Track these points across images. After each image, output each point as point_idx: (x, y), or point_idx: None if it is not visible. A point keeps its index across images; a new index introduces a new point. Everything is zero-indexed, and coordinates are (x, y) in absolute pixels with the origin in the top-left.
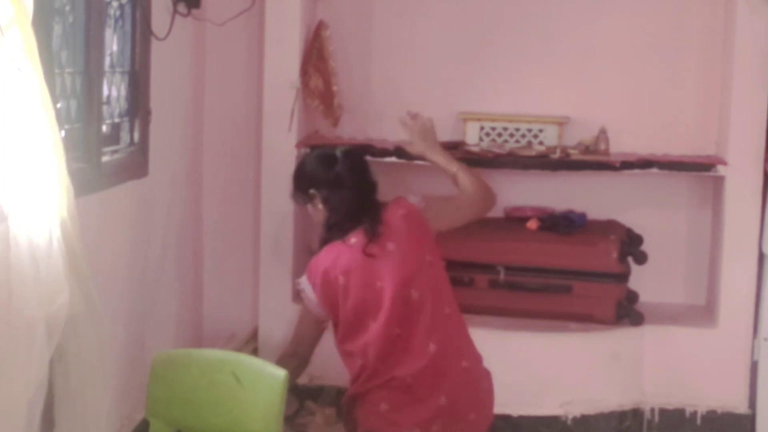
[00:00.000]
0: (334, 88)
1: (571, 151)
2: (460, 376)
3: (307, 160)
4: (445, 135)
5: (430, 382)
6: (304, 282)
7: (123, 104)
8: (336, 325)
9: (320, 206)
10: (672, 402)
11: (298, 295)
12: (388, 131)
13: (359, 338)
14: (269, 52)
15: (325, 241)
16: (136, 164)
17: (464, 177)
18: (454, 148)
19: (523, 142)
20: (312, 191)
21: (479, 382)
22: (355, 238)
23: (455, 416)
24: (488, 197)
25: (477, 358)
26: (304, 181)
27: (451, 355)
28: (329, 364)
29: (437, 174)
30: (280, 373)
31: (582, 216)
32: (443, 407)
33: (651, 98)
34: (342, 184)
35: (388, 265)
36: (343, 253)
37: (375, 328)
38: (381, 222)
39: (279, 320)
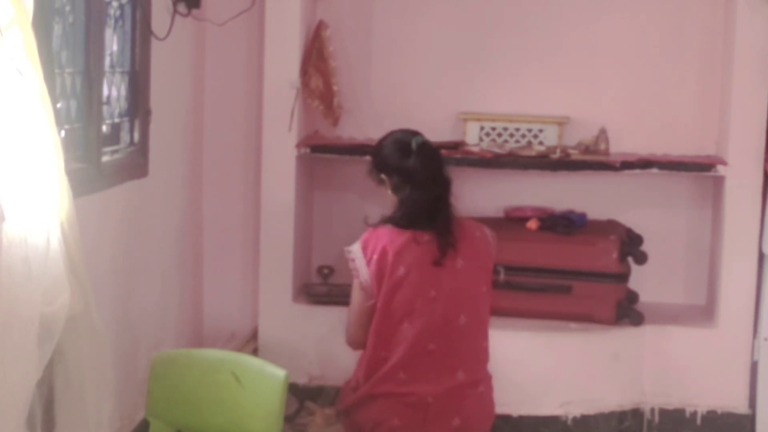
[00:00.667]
0: (334, 88)
1: (571, 151)
2: (476, 401)
3: (386, 142)
4: (445, 135)
5: (450, 406)
6: (357, 251)
7: (123, 104)
8: (377, 311)
9: (389, 192)
10: (672, 402)
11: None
12: (388, 131)
13: (393, 336)
14: (269, 52)
15: (390, 221)
16: (136, 164)
17: None
18: (453, 147)
19: (523, 142)
20: (383, 176)
21: (490, 406)
22: (428, 237)
23: None
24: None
25: (491, 384)
26: (378, 164)
27: (473, 384)
28: (329, 364)
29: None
30: (280, 373)
31: (582, 216)
32: (456, 428)
33: (651, 98)
34: (413, 179)
35: (450, 280)
36: (411, 247)
37: (409, 332)
38: (455, 234)
39: (279, 320)
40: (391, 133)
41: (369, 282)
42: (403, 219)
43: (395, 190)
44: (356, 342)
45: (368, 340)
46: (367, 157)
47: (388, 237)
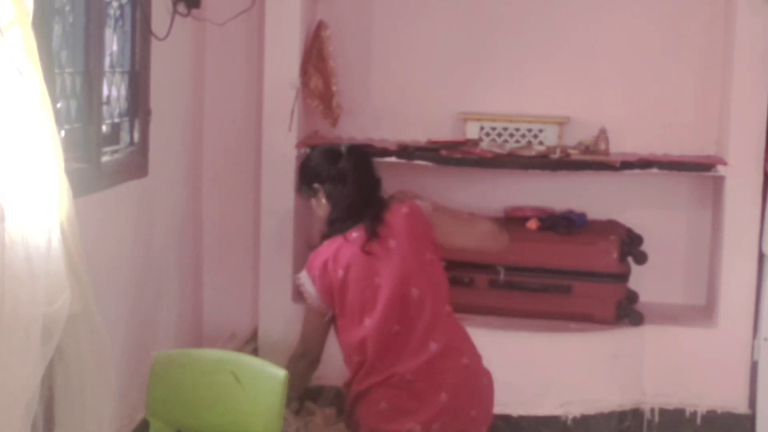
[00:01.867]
0: (334, 88)
1: (571, 151)
2: (460, 373)
3: (312, 155)
4: (445, 135)
5: (431, 379)
6: (303, 276)
7: (123, 104)
8: (334, 319)
9: (323, 201)
10: (672, 402)
11: (298, 291)
12: (388, 131)
13: (356, 333)
14: (269, 52)
15: (325, 236)
16: (136, 164)
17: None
18: (454, 147)
19: (523, 142)
20: (316, 185)
21: (479, 379)
22: (356, 233)
23: (456, 413)
24: (498, 240)
25: (476, 356)
26: (308, 175)
27: (451, 353)
28: (329, 364)
29: (439, 174)
30: (280, 373)
31: (582, 216)
32: (444, 404)
33: (651, 98)
34: (345, 179)
35: (387, 262)
36: (344, 248)
37: (371, 325)
38: (383, 220)
39: (279, 320)
40: (316, 148)
41: (320, 299)
42: (337, 221)
43: (329, 196)
44: (311, 353)
45: (342, 349)
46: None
47: (325, 249)
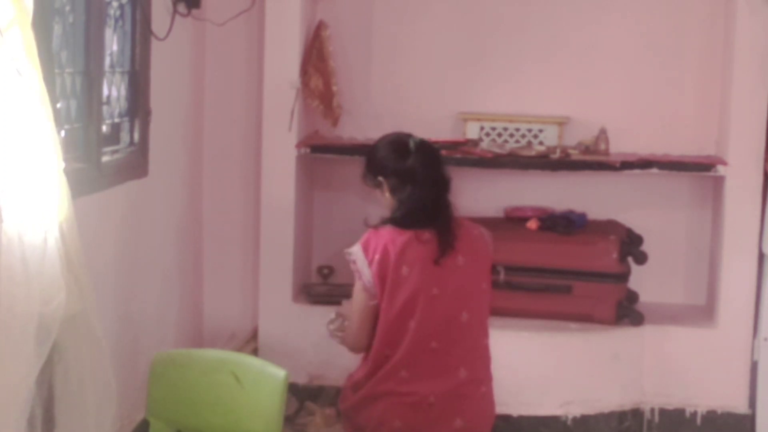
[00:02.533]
0: (334, 88)
1: (571, 151)
2: (479, 401)
3: (379, 145)
4: (445, 135)
5: (452, 406)
6: (358, 252)
7: (123, 104)
8: (381, 311)
9: (387, 195)
10: (672, 402)
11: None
12: (388, 131)
13: (397, 335)
14: (269, 52)
15: (388, 222)
16: (136, 164)
17: None
18: (454, 147)
19: (523, 142)
20: (380, 179)
21: (491, 406)
22: (428, 235)
23: None
24: None
25: (491, 384)
26: (374, 167)
27: (475, 382)
28: (329, 364)
29: None
30: (280, 373)
31: (582, 216)
32: (458, 429)
33: (651, 98)
34: (413, 178)
35: (451, 277)
36: (413, 246)
37: (413, 333)
38: (456, 233)
39: (279, 320)
40: (385, 136)
41: (372, 282)
42: (405, 218)
43: (393, 191)
44: (358, 345)
45: (373, 339)
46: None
47: (390, 236)
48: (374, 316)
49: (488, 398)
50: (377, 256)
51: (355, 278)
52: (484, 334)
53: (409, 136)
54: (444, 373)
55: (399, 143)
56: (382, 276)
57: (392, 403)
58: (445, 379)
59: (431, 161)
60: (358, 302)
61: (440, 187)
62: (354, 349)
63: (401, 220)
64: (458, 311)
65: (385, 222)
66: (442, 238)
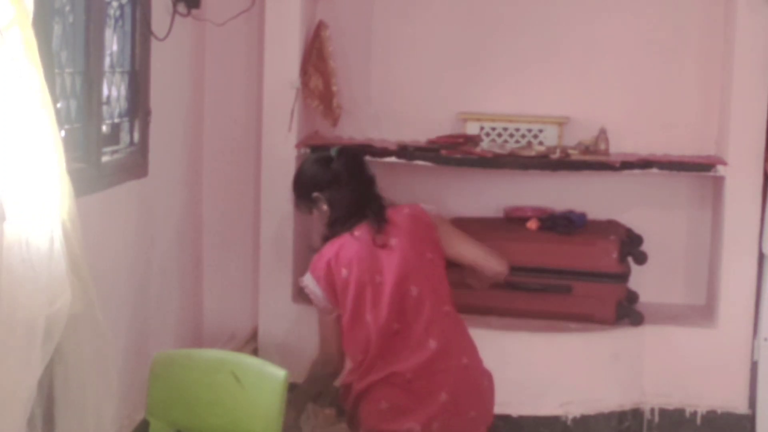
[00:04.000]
0: (334, 88)
1: (571, 151)
2: (460, 372)
3: (304, 166)
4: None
5: (431, 378)
6: (308, 278)
7: (123, 104)
8: (339, 318)
9: (325, 208)
10: (672, 402)
11: (301, 294)
12: (388, 131)
13: (358, 331)
14: (269, 52)
15: (326, 238)
16: (136, 164)
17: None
18: (454, 147)
19: (523, 142)
20: (315, 194)
21: (480, 379)
22: (359, 231)
23: (456, 413)
24: (499, 265)
25: (477, 356)
26: (306, 186)
27: (451, 352)
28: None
29: (439, 174)
30: (280, 373)
31: (582, 216)
32: (444, 404)
33: (651, 98)
34: (341, 181)
35: (388, 260)
36: (346, 246)
37: (372, 323)
38: (385, 217)
39: (279, 320)
40: (306, 159)
41: (325, 298)
42: (337, 222)
43: (330, 202)
44: (332, 360)
45: (346, 349)
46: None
47: (328, 250)
48: (339, 327)
49: (473, 369)
50: (321, 273)
51: (315, 305)
52: (443, 301)
53: (328, 149)
54: (413, 349)
55: (320, 157)
56: (330, 287)
57: (377, 389)
58: (416, 354)
59: (354, 162)
60: (323, 324)
61: (365, 184)
62: (330, 365)
63: (334, 224)
64: (406, 288)
65: (324, 240)
66: (372, 224)
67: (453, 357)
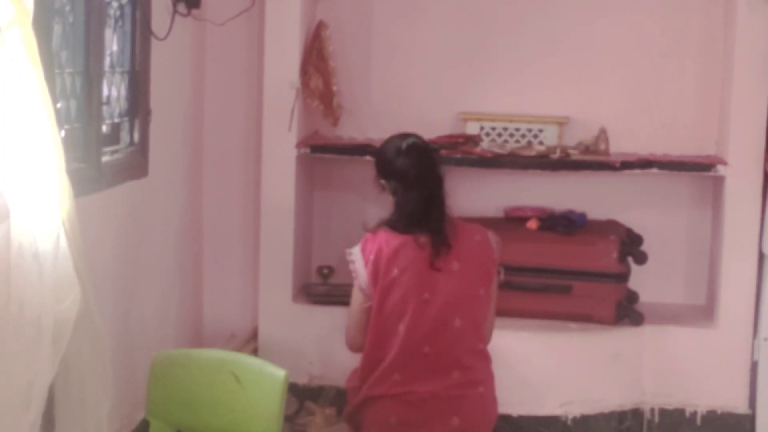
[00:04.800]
0: (334, 88)
1: (571, 151)
2: (476, 401)
3: (384, 146)
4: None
5: (447, 404)
6: (356, 254)
7: (123, 104)
8: (372, 313)
9: (391, 197)
10: (672, 402)
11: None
12: (388, 131)
13: (387, 334)
14: (269, 52)
15: (384, 224)
16: (136, 164)
17: None
18: (454, 147)
19: (523, 142)
20: (383, 181)
21: (492, 407)
22: (424, 239)
23: None
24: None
25: (492, 385)
26: (378, 168)
27: (471, 383)
28: (330, 364)
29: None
30: (280, 373)
31: (582, 216)
32: (454, 428)
33: (651, 98)
34: (406, 179)
35: (445, 283)
36: (407, 247)
37: (404, 336)
38: (453, 238)
39: (279, 320)
40: (391, 137)
41: (367, 283)
42: (399, 222)
43: (394, 193)
44: (355, 344)
45: (365, 341)
46: (367, 157)
47: (385, 239)
48: (369, 316)
49: (487, 397)
50: (372, 257)
51: (353, 279)
52: (479, 340)
53: (407, 136)
54: (437, 376)
55: (395, 145)
56: (374, 277)
57: (388, 402)
58: (438, 381)
59: (421, 161)
60: (355, 303)
61: (431, 187)
62: (351, 347)
63: (396, 223)
64: (451, 317)
65: (381, 224)
66: (436, 242)
67: (471, 387)
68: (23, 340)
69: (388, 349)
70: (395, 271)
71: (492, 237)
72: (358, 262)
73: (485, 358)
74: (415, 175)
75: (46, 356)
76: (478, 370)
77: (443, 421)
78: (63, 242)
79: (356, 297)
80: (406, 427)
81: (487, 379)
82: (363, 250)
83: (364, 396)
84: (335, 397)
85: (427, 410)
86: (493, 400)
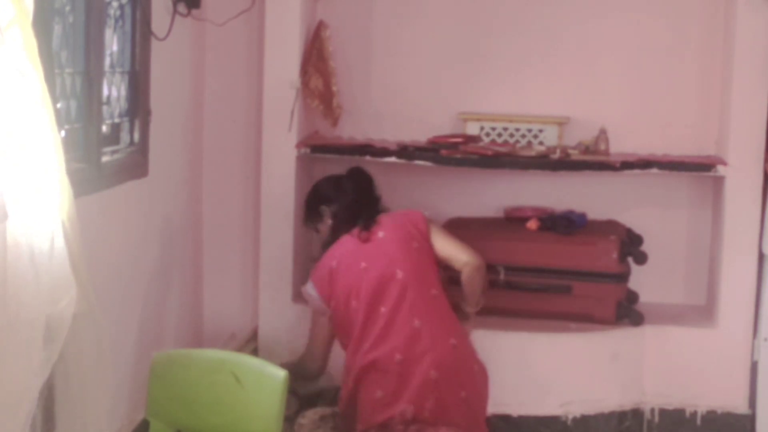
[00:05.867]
0: (334, 88)
1: (571, 151)
2: (448, 352)
3: (317, 185)
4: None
5: (418, 355)
6: (309, 285)
7: (123, 104)
8: (331, 318)
9: (329, 221)
10: (672, 402)
11: (301, 299)
12: (388, 131)
13: (344, 317)
14: (269, 52)
15: (327, 244)
16: (136, 164)
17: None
18: (454, 147)
19: (523, 142)
20: (323, 207)
21: (469, 362)
22: (354, 231)
23: (447, 391)
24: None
25: (466, 341)
26: (315, 201)
27: (438, 332)
28: (329, 364)
29: (439, 174)
30: (280, 373)
31: (582, 216)
32: (433, 380)
33: (651, 98)
34: (347, 194)
35: (375, 250)
36: (338, 244)
37: (356, 306)
38: (375, 219)
39: (279, 320)
40: (319, 180)
41: (319, 299)
42: (338, 230)
43: (334, 215)
44: (316, 359)
45: (338, 338)
46: (367, 157)
47: (327, 255)
48: (332, 330)
49: (461, 352)
50: (319, 273)
51: (311, 311)
52: (430, 285)
53: (332, 176)
54: (399, 329)
55: (333, 177)
56: (325, 283)
57: (367, 377)
58: (401, 332)
59: (363, 180)
60: (315, 324)
61: (369, 196)
62: (317, 372)
63: (337, 232)
64: (392, 271)
65: (324, 247)
66: (365, 222)
67: (440, 337)
68: (19, 341)
69: (350, 326)
70: (334, 263)
71: (410, 210)
72: (310, 289)
73: (444, 306)
74: (356, 189)
75: (38, 357)
76: (440, 317)
77: (422, 377)
78: (59, 242)
79: (317, 322)
80: (390, 397)
81: (457, 331)
82: (312, 278)
83: (346, 380)
84: (335, 397)
85: (404, 372)
86: (472, 357)
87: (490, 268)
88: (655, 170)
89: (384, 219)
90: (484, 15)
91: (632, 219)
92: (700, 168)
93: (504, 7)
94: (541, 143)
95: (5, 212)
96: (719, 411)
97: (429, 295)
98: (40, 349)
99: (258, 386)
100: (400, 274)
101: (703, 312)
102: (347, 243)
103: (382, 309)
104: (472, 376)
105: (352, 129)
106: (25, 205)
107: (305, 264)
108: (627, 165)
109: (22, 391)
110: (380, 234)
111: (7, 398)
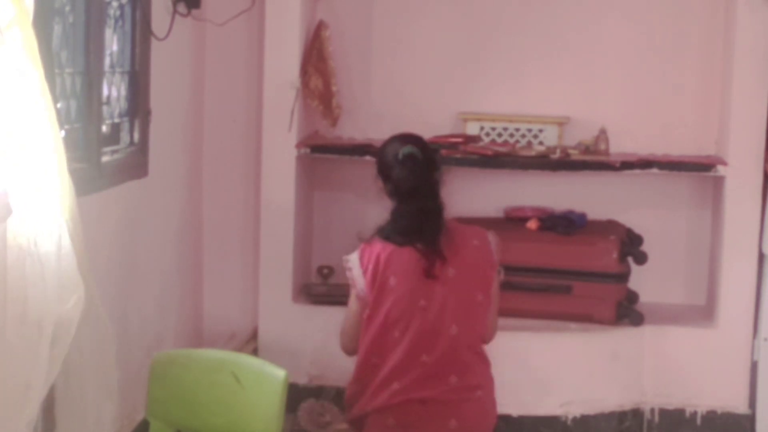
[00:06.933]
0: (333, 88)
1: (571, 151)
2: (474, 404)
3: (384, 147)
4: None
5: (445, 407)
6: (354, 261)
7: (123, 104)
8: (367, 319)
9: (386, 196)
10: (672, 402)
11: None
12: (388, 131)
13: (384, 344)
14: (269, 52)
15: (380, 233)
16: (136, 164)
17: None
18: (454, 147)
19: (523, 142)
20: (380, 182)
21: (491, 411)
22: (421, 245)
23: None
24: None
25: (492, 389)
26: (378, 169)
27: (469, 387)
28: (330, 364)
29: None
30: (280, 373)
31: (582, 216)
32: (452, 430)
33: (651, 98)
34: (400, 191)
35: (440, 289)
36: (403, 256)
37: (401, 345)
38: (447, 246)
39: (279, 320)
40: (392, 138)
41: (365, 291)
42: (392, 233)
43: (390, 196)
44: (349, 350)
45: (360, 347)
46: (367, 157)
47: (381, 247)
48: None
49: (486, 400)
50: (370, 265)
51: (350, 286)
52: (477, 345)
53: (406, 141)
54: (434, 382)
55: (393, 150)
56: (372, 285)
57: (388, 408)
58: (436, 387)
59: (417, 174)
60: (351, 311)
61: (426, 198)
62: (346, 351)
63: (390, 234)
64: (447, 324)
65: (376, 234)
66: (431, 250)
67: (470, 391)
68: (25, 341)
69: (385, 356)
70: (392, 279)
71: (492, 239)
72: (356, 269)
73: (483, 361)
74: (408, 188)
75: (47, 357)
76: (476, 374)
77: (441, 423)
78: (65, 242)
79: (353, 305)
80: (403, 428)
81: (486, 383)
82: (361, 258)
83: (362, 408)
84: (335, 397)
85: (425, 412)
86: (492, 404)
87: None
88: (655, 170)
89: (459, 246)
90: (484, 15)
91: (632, 219)
92: (700, 168)
93: (504, 7)
94: (541, 143)
95: (9, 208)
96: (719, 411)
97: (473, 352)
98: (47, 350)
99: (258, 386)
100: (454, 330)
101: (703, 312)
102: (411, 261)
103: (425, 358)
104: (490, 424)
105: (352, 129)
106: (28, 205)
107: (305, 264)
108: (627, 165)
109: (27, 391)
110: (450, 272)
111: (13, 397)
